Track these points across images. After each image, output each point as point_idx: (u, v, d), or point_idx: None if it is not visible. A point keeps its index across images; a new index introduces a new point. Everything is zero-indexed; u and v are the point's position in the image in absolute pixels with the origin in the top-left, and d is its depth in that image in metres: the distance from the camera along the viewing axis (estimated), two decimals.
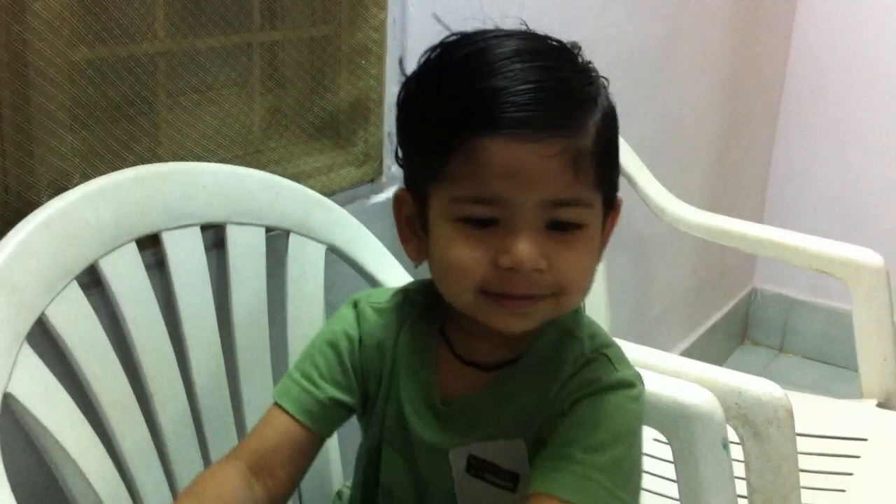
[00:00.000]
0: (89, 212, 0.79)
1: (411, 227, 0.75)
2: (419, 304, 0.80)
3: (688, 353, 2.10)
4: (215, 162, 0.94)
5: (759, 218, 2.36)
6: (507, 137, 0.65)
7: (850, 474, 1.19)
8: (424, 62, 0.73)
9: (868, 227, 2.20)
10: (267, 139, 1.04)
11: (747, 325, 2.44)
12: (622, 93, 1.59)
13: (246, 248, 0.93)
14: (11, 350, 0.70)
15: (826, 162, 2.27)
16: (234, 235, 0.91)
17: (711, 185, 2.07)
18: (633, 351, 1.03)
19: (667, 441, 0.93)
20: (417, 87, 0.73)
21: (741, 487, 0.95)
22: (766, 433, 0.92)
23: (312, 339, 0.82)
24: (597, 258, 0.73)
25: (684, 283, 2.08)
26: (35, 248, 0.74)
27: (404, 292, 0.82)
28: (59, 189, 0.79)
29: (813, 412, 1.33)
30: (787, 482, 0.94)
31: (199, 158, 0.93)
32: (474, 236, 0.68)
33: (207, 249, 0.89)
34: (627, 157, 1.43)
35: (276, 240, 0.96)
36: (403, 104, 0.74)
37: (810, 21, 2.22)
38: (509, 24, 0.73)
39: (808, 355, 2.35)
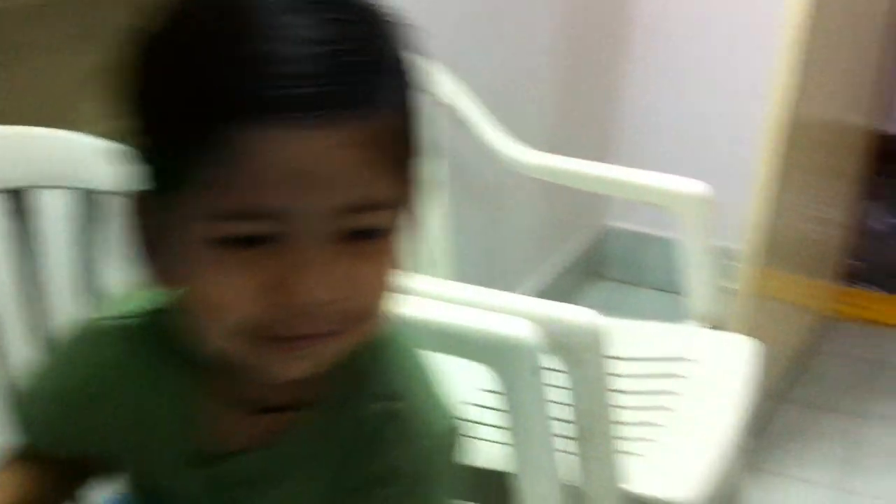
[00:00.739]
0: None
1: (154, 243, 0.55)
2: (179, 325, 0.57)
3: (542, 292, 2.17)
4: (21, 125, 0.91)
5: (605, 157, 2.43)
6: (279, 125, 0.48)
7: (677, 393, 1.26)
8: (166, 16, 0.52)
9: (709, 161, 2.28)
10: (79, 100, 1.02)
11: (601, 261, 2.53)
12: (456, 37, 1.61)
13: (53, 213, 0.91)
14: None
15: (670, 99, 2.35)
16: (38, 201, 0.90)
17: (558, 126, 2.12)
18: (456, 289, 1.07)
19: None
20: (155, 54, 0.52)
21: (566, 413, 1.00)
22: (583, 358, 0.97)
23: (42, 370, 0.68)
24: (395, 270, 0.57)
25: (535, 224, 2.14)
26: None
27: (157, 313, 0.61)
28: None
29: (644, 337, 1.40)
30: (604, 402, 0.99)
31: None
32: (239, 261, 0.50)
33: (8, 216, 0.87)
34: (466, 101, 1.45)
35: (90, 200, 0.95)
36: (136, 77, 0.53)
37: None
38: None
39: (660, 287, 2.44)
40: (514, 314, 0.96)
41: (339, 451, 0.61)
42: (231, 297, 0.51)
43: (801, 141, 1.65)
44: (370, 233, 0.53)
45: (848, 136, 2.19)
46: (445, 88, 1.42)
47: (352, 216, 0.52)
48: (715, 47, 2.26)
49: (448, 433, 0.63)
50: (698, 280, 1.41)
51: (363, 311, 0.55)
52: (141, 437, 0.63)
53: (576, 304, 2.43)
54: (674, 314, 2.27)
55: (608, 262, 2.53)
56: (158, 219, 0.54)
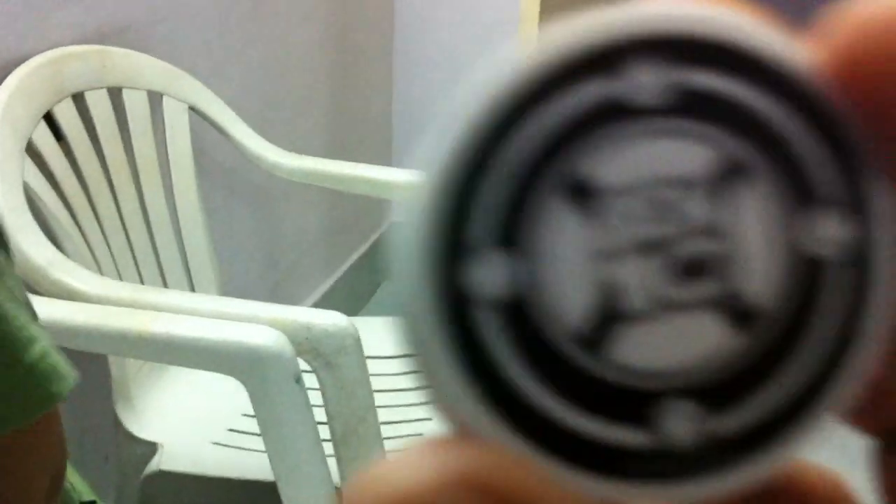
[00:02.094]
0: None
1: None
2: None
3: (330, 293, 2.16)
4: None
5: (388, 159, 2.44)
6: None
7: None
8: None
9: None
10: None
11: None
12: (212, 44, 1.58)
13: None
14: None
15: (442, 97, 2.39)
16: None
17: (332, 131, 2.11)
18: (195, 301, 1.04)
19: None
20: None
21: (322, 416, 0.99)
22: (337, 362, 0.97)
23: None
24: None
25: (318, 227, 2.12)
26: None
27: None
28: None
29: None
30: (363, 405, 0.99)
31: None
32: None
33: None
34: (218, 109, 1.42)
35: None
36: None
37: None
38: None
39: None
40: (263, 322, 0.95)
41: None
42: None
43: None
44: None
45: None
46: (195, 95, 1.38)
47: None
48: (474, 39, 2.31)
49: None
50: None
51: None
52: None
53: (367, 303, 2.43)
54: None
55: None
56: None
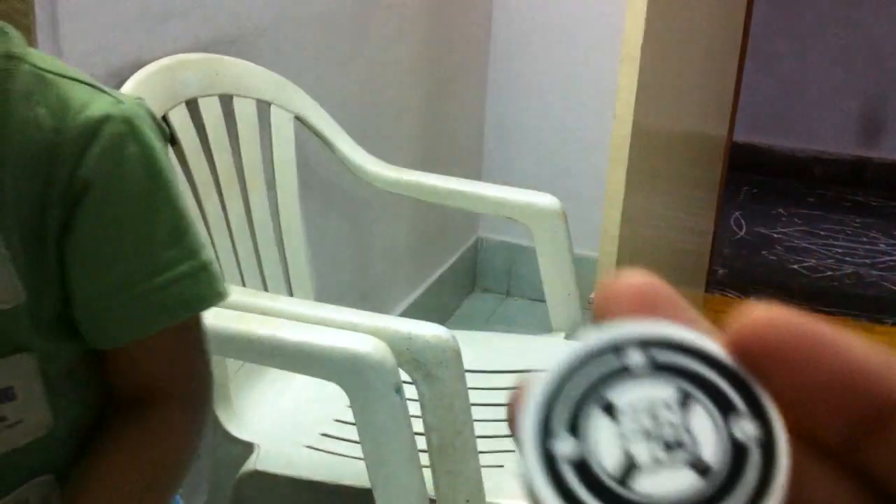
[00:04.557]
0: None
1: None
2: None
3: (416, 305, 2.17)
4: None
5: (478, 174, 2.46)
6: None
7: None
8: None
9: (572, 174, 2.35)
10: None
11: (476, 273, 2.55)
12: (317, 57, 1.61)
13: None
14: None
15: (533, 116, 2.39)
16: None
17: (424, 145, 2.13)
18: (301, 307, 1.06)
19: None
20: None
21: (420, 427, 1.00)
22: (437, 374, 0.98)
23: None
24: None
25: (407, 238, 2.14)
26: None
27: None
28: None
29: (506, 349, 1.42)
30: (460, 418, 0.99)
31: None
32: None
33: None
34: (322, 120, 1.45)
35: None
36: None
37: None
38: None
39: (533, 297, 2.48)
40: (366, 331, 0.96)
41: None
42: None
43: (649, 151, 1.70)
44: None
45: (706, 145, 2.27)
46: (301, 106, 1.41)
47: None
48: (569, 62, 2.32)
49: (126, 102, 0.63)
50: (557, 290, 1.44)
51: None
52: None
53: (452, 316, 2.44)
54: (546, 324, 2.32)
55: (483, 274, 2.56)
56: None
